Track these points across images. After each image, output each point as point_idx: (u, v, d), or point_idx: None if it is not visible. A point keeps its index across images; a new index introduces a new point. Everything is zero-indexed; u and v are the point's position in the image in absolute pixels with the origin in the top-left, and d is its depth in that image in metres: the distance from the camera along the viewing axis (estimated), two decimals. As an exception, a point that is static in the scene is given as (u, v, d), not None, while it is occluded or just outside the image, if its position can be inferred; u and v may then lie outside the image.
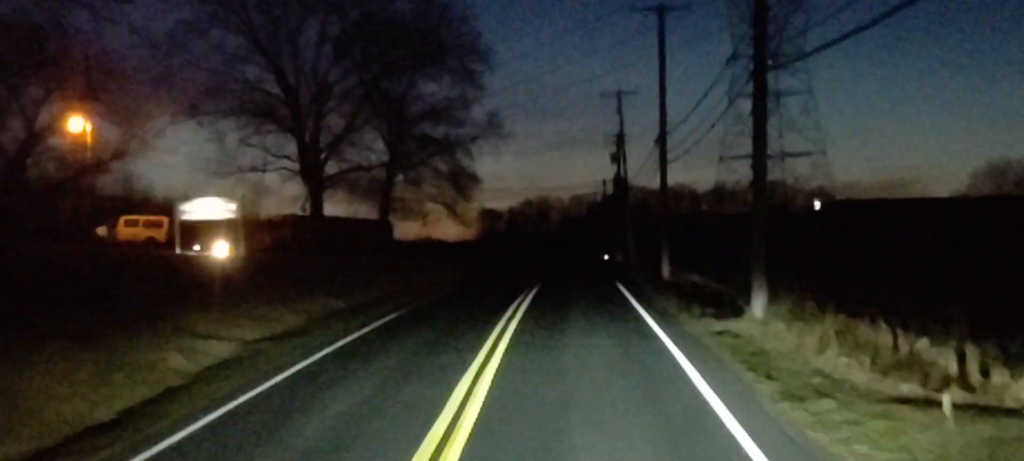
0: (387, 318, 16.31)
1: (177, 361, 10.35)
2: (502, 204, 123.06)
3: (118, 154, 37.10)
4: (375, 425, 7.03)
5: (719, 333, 12.98)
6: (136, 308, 13.51)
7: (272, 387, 8.90)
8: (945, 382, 8.09)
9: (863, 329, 10.99)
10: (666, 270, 28.71)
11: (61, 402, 7.87)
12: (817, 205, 57.13)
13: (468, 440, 6.41)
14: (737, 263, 22.83)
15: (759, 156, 15.12)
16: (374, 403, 7.90)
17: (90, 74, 30.44)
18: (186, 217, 31.70)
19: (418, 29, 46.28)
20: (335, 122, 46.94)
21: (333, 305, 18.65)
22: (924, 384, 8.23)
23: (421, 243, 65.06)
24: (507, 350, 11.22)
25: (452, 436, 6.51)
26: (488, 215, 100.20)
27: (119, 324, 11.71)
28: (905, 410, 7.16)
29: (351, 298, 20.43)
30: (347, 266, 30.91)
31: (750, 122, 15.23)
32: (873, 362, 9.24)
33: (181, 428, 7.06)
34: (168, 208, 36.42)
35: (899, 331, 10.19)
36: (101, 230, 36.02)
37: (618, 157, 53.42)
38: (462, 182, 51.78)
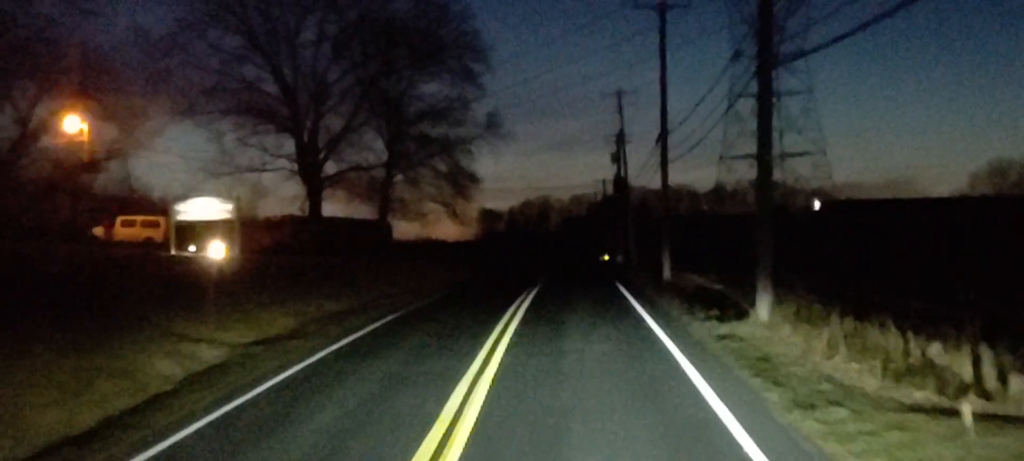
0: (384, 320, 16.00)
1: (164, 366, 10.04)
2: (502, 204, 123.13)
3: (114, 153, 36.80)
4: (369, 432, 6.74)
5: (723, 337, 12.63)
6: (126, 311, 13.19)
7: (259, 395, 8.58)
8: (961, 389, 7.76)
9: (872, 332, 10.63)
10: (667, 271, 28.35)
11: (40, 410, 7.57)
12: (817, 205, 56.80)
13: (463, 451, 6.11)
14: (738, 264, 22.54)
15: (764, 154, 14.76)
16: (365, 413, 7.58)
17: (84, 72, 30.09)
18: (181, 217, 31.34)
19: (417, 28, 46.08)
20: (334, 122, 46.73)
21: (329, 307, 18.34)
22: (940, 391, 7.90)
23: (420, 243, 64.66)
24: (505, 353, 10.92)
25: (447, 446, 6.22)
26: (488, 215, 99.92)
27: (107, 328, 11.41)
28: (921, 420, 6.82)
29: (348, 300, 20.14)
30: (345, 267, 30.60)
31: (751, 122, 14.94)
32: (884, 368, 8.89)
33: (160, 440, 6.74)
34: (165, 208, 36.06)
35: (910, 334, 9.85)
36: (98, 230, 35.67)
37: (618, 157, 53.23)
38: (461, 182, 51.55)
